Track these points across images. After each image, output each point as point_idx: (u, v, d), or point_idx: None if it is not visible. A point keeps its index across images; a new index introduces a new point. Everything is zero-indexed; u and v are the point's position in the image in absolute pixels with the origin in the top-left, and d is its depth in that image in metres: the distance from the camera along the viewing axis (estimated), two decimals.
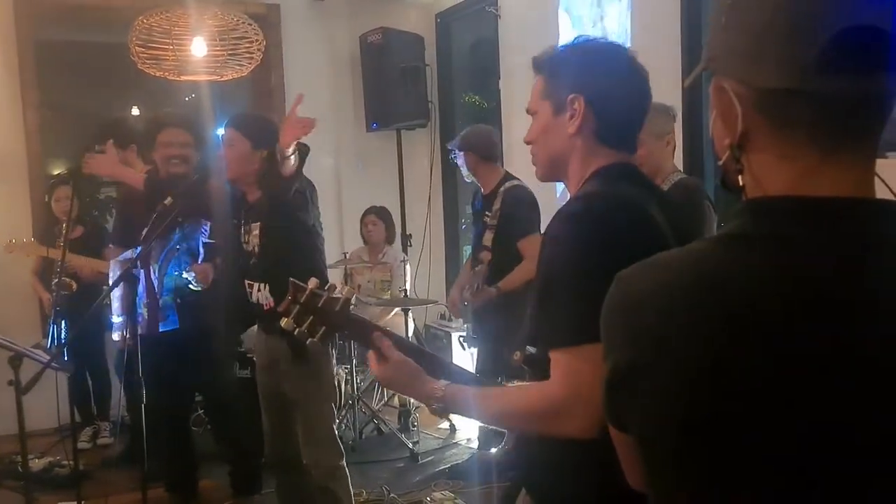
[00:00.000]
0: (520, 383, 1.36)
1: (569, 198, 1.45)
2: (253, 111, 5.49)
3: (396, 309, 4.89)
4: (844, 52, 0.74)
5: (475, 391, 1.40)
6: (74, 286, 4.36)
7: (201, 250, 3.55)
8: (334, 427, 3.09)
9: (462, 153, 3.85)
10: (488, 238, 3.68)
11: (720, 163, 0.86)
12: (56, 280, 4.12)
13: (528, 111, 1.50)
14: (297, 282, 1.43)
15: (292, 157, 2.75)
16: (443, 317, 5.66)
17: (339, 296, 1.43)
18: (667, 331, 0.79)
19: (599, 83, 1.39)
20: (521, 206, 3.62)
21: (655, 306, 0.81)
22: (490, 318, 3.65)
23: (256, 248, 2.94)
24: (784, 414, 0.74)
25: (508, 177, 3.80)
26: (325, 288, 1.44)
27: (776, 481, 0.75)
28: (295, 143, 2.75)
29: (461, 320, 3.94)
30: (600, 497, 1.22)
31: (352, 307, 1.48)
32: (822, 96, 0.76)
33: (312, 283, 1.43)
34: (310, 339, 1.43)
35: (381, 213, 5.24)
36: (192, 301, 3.48)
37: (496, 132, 4.05)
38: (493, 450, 1.55)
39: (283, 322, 1.43)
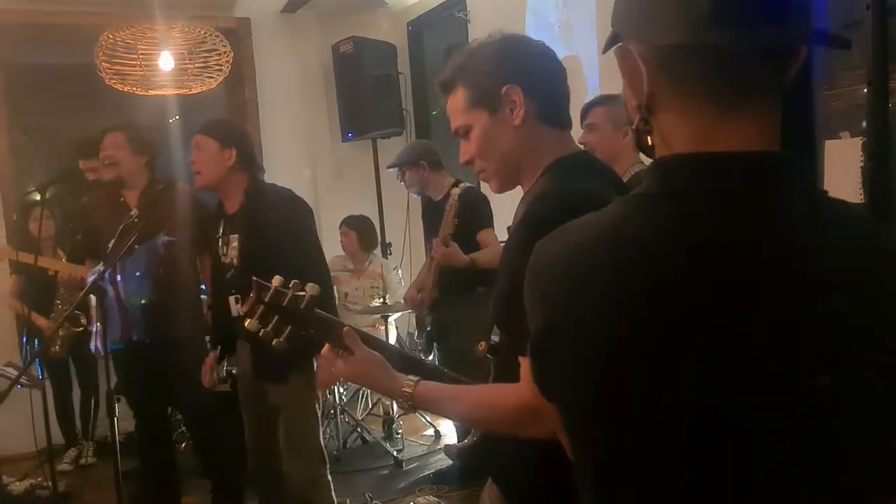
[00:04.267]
0: (491, 384, 1.33)
1: (522, 195, 1.45)
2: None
3: (378, 316, 4.88)
4: (737, 6, 0.74)
5: (446, 389, 1.37)
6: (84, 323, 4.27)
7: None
8: (319, 435, 3.03)
9: (413, 167, 3.94)
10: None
11: (633, 126, 0.86)
12: (66, 312, 4.06)
13: (456, 132, 1.47)
14: (260, 280, 1.41)
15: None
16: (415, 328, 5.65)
17: (304, 293, 1.41)
18: (575, 291, 0.80)
19: (525, 67, 1.39)
20: (477, 202, 3.74)
21: (564, 269, 0.82)
22: (452, 312, 3.72)
23: (235, 261, 2.88)
24: (689, 368, 0.74)
25: (459, 181, 3.92)
26: (290, 285, 1.42)
27: (687, 437, 0.75)
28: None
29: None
30: (567, 487, 1.22)
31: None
32: (717, 51, 0.76)
33: (276, 280, 1.41)
34: (275, 340, 1.41)
35: (353, 222, 5.17)
36: (162, 310, 3.44)
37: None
38: (465, 441, 1.51)
39: (248, 323, 1.41)
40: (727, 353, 0.73)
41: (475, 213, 3.70)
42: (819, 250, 0.75)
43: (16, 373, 2.82)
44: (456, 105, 1.45)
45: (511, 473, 1.43)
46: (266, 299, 1.39)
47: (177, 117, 5.74)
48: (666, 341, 0.75)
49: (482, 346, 1.41)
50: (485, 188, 3.89)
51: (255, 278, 1.42)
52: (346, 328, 1.41)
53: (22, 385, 2.78)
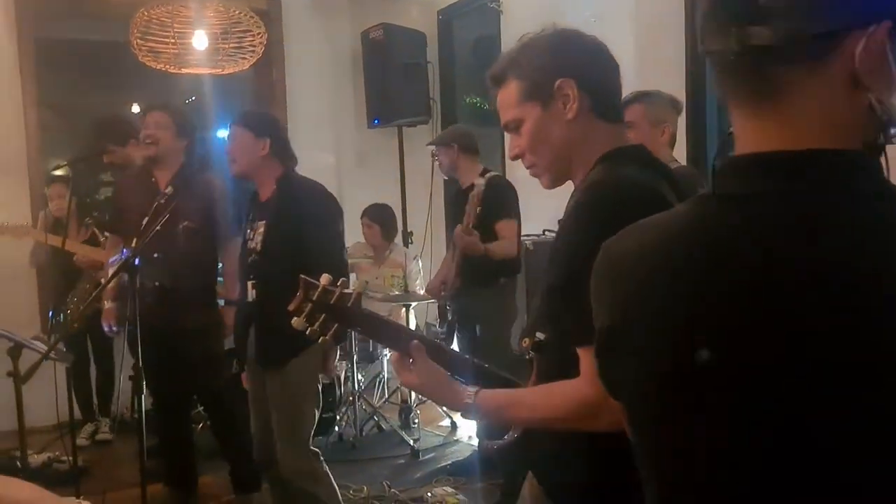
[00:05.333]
0: (548, 384, 1.32)
1: (573, 189, 1.44)
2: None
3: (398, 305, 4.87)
4: (712, 12, 0.78)
5: (504, 396, 1.36)
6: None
7: None
8: (311, 431, 3.00)
9: (445, 148, 4.00)
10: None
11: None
12: (94, 292, 4.07)
13: (507, 126, 1.45)
14: (307, 278, 1.40)
15: None
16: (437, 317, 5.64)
17: (351, 290, 1.40)
18: (639, 291, 0.81)
19: (578, 60, 1.38)
20: (502, 191, 3.76)
21: (629, 268, 0.83)
22: (475, 301, 3.77)
23: (259, 247, 2.92)
24: (750, 368, 0.73)
25: (487, 169, 3.94)
26: (338, 283, 1.41)
27: (748, 434, 0.74)
28: None
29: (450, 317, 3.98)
30: (612, 484, 1.21)
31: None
32: (713, 57, 0.79)
33: (325, 279, 1.40)
34: (322, 338, 1.40)
35: (375, 214, 5.14)
36: (177, 294, 3.44)
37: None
38: (505, 437, 1.50)
39: (295, 321, 1.39)
40: (794, 353, 0.72)
41: (497, 202, 3.71)
42: (877, 247, 0.72)
43: (44, 346, 2.82)
44: (507, 98, 1.43)
45: (553, 469, 1.42)
46: (314, 297, 1.38)
47: (193, 98, 5.75)
48: (727, 341, 0.74)
49: (525, 342, 1.39)
50: (517, 180, 3.91)
51: (302, 276, 1.41)
52: (414, 342, 1.40)
53: (49, 358, 2.78)
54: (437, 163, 4.15)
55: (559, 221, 1.44)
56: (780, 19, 0.74)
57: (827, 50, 0.75)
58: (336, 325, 1.39)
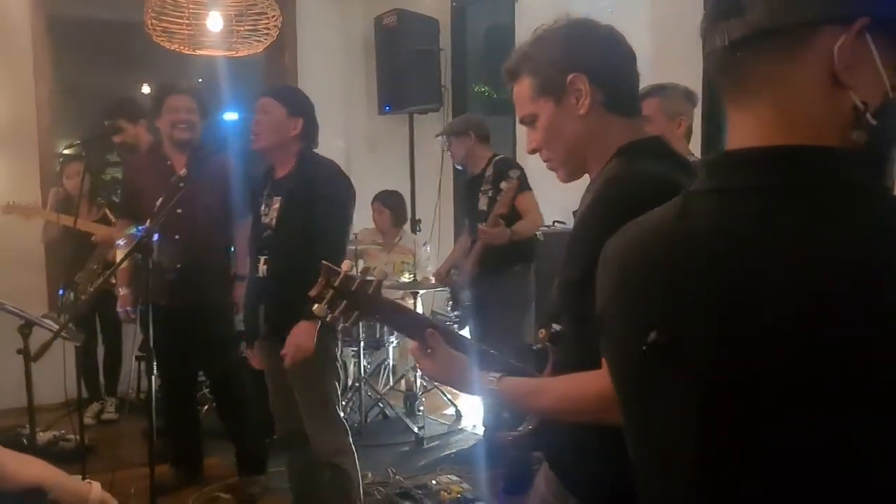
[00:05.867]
0: (571, 375, 1.31)
1: (589, 181, 1.43)
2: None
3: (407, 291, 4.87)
4: (709, 13, 0.81)
5: (527, 384, 1.35)
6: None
7: None
8: (337, 405, 3.02)
9: (462, 137, 4.00)
10: (483, 202, 3.80)
11: None
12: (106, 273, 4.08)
13: (522, 121, 1.45)
14: (329, 265, 1.40)
15: None
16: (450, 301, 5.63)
17: (372, 278, 1.40)
18: (620, 279, 0.87)
19: (591, 54, 1.37)
20: (513, 168, 3.79)
21: (616, 259, 0.90)
22: (489, 287, 3.77)
23: (273, 222, 2.91)
24: (733, 365, 0.74)
25: (496, 154, 4.01)
26: (360, 271, 1.41)
27: (741, 434, 0.75)
28: None
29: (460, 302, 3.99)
30: (624, 474, 1.21)
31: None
32: (706, 55, 0.82)
33: (346, 265, 1.39)
34: (342, 325, 1.40)
35: (386, 199, 5.16)
36: (194, 275, 3.45)
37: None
38: (521, 428, 1.49)
39: (316, 308, 1.39)
40: (765, 343, 0.72)
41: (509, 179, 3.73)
42: (868, 243, 0.71)
43: (55, 325, 2.82)
44: (521, 94, 1.43)
45: (574, 463, 1.42)
46: (336, 284, 1.38)
47: (200, 80, 5.73)
48: (690, 328, 0.77)
49: (542, 333, 1.39)
50: (528, 171, 3.90)
51: (324, 262, 1.41)
52: (428, 330, 1.40)
53: (60, 337, 2.78)
54: (448, 152, 4.14)
55: (574, 213, 1.43)
56: (753, 12, 0.75)
57: (797, 45, 0.75)
58: (357, 313, 1.39)
